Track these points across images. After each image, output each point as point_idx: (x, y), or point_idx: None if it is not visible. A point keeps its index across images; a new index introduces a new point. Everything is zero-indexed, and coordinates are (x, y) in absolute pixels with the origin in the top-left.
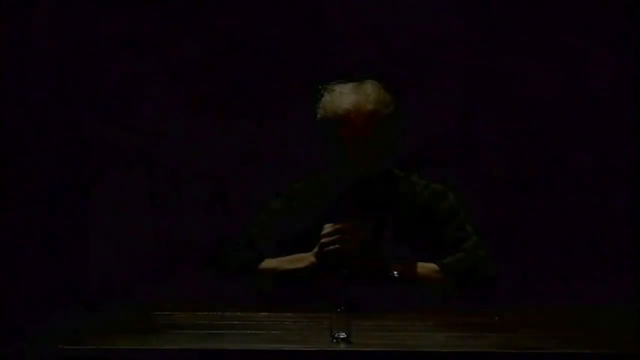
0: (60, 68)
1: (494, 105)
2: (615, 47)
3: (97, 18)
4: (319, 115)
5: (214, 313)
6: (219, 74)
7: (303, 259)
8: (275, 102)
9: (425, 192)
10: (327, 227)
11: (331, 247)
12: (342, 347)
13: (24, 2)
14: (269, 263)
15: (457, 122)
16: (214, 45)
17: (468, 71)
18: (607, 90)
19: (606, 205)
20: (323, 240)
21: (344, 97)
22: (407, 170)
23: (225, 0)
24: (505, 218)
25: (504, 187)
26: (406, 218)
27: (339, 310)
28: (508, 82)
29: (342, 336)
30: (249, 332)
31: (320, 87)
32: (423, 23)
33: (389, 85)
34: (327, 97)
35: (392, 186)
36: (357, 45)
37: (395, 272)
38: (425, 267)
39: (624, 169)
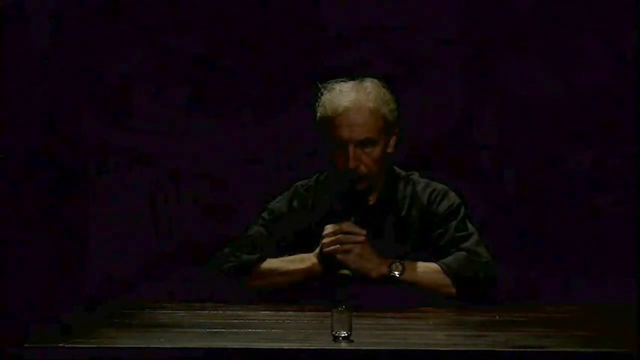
0: (61, 68)
1: (494, 105)
2: (616, 47)
3: (96, 18)
4: (318, 114)
5: (215, 312)
6: (219, 73)
7: (304, 260)
8: (275, 101)
9: (426, 192)
10: (328, 228)
11: (332, 247)
12: (343, 345)
13: (24, 3)
14: (270, 263)
15: (457, 122)
16: (214, 44)
17: (468, 71)
18: (607, 89)
19: (606, 204)
20: (324, 240)
21: (343, 95)
22: (408, 169)
23: (225, 0)
24: (505, 217)
25: (504, 186)
26: (407, 217)
27: (340, 308)
28: (508, 82)
29: (343, 335)
30: (250, 330)
31: (320, 85)
32: (423, 23)
33: (389, 84)
34: (326, 96)
35: (393, 185)
36: (357, 45)
37: (395, 272)
38: (426, 267)
39: (624, 168)
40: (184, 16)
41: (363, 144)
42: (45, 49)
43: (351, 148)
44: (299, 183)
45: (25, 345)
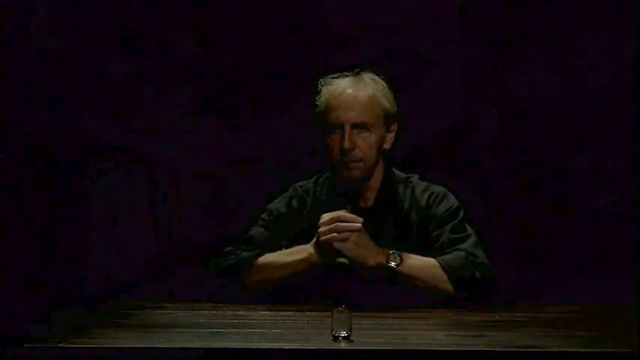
0: (61, 68)
1: (494, 105)
2: (616, 47)
3: (97, 18)
4: (318, 104)
5: (215, 312)
6: (219, 73)
7: (301, 250)
8: (275, 101)
9: (425, 194)
10: (324, 217)
11: (329, 236)
12: (343, 345)
13: (24, 2)
14: (268, 257)
15: (457, 122)
16: (214, 44)
17: (468, 71)
18: (607, 89)
19: (606, 204)
20: (320, 229)
21: (343, 84)
22: (407, 171)
23: (225, 0)
24: (505, 217)
25: (504, 186)
26: (406, 219)
27: (340, 308)
28: (508, 82)
29: (343, 335)
30: (250, 330)
31: (320, 79)
32: (423, 23)
33: (388, 81)
34: (326, 87)
35: (391, 187)
36: (357, 45)
37: (393, 263)
38: (424, 261)
39: (624, 168)
40: (184, 16)
41: (360, 127)
42: (45, 49)
43: (347, 130)
44: (298, 184)
45: (25, 345)
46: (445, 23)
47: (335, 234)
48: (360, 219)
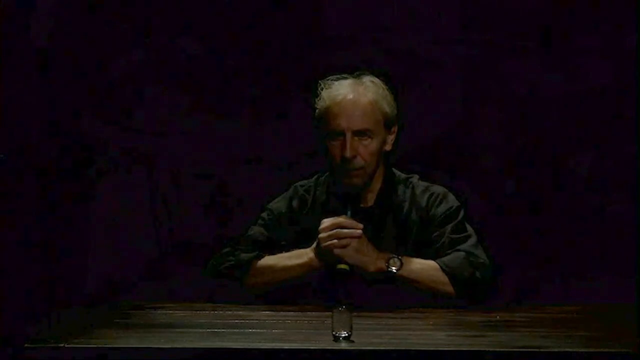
0: (61, 68)
1: (494, 105)
2: (616, 47)
3: (97, 18)
4: (317, 108)
5: (215, 312)
6: (219, 73)
7: (302, 255)
8: (275, 101)
9: (425, 195)
10: (325, 222)
11: (329, 242)
12: (344, 345)
13: (24, 2)
14: (268, 260)
15: (457, 122)
16: (214, 44)
17: (468, 71)
18: (607, 89)
19: (606, 204)
20: (321, 235)
21: (343, 87)
22: (407, 169)
23: (225, 0)
24: (505, 218)
25: (504, 187)
26: (406, 220)
27: (340, 308)
28: (508, 82)
29: (343, 335)
30: (250, 330)
31: (319, 81)
32: (423, 23)
33: (389, 81)
34: (326, 90)
35: (391, 187)
36: (357, 45)
37: (393, 268)
38: (424, 264)
39: (624, 168)
40: (184, 16)
41: (360, 134)
42: (45, 49)
43: (349, 137)
44: (299, 183)
45: (25, 345)
46: (445, 23)
47: (335, 241)
48: (361, 225)
